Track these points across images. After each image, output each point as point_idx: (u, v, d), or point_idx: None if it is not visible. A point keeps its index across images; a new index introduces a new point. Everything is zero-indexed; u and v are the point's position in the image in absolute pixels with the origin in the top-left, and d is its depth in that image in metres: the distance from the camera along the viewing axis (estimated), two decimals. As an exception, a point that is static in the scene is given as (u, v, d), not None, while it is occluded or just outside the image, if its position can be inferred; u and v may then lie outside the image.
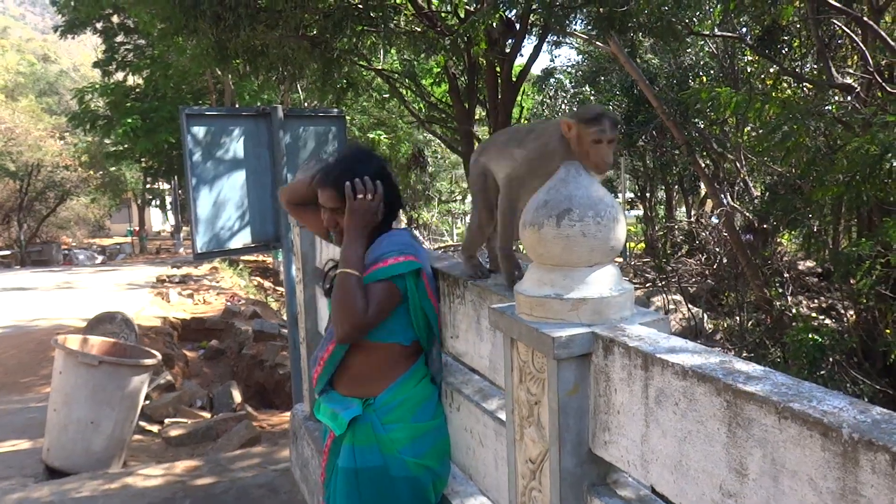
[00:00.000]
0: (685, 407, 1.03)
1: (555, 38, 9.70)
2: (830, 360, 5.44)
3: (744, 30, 9.68)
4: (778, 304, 7.84)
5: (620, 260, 14.57)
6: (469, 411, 1.83)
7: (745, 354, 7.05)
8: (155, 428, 5.88)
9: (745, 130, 10.06)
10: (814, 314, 8.20)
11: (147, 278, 14.72)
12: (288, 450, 4.04)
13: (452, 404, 1.93)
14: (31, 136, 23.40)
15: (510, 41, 7.55)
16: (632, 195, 19.70)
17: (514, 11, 6.90)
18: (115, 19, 18.76)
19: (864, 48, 6.26)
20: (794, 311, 7.71)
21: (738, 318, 9.02)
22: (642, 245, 17.85)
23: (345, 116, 4.96)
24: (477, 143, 8.72)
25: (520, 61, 9.10)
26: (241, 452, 4.63)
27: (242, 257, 16.60)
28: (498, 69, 7.72)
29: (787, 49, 8.81)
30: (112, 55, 19.46)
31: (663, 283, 11.43)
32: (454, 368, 2.02)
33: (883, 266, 5.35)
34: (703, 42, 11.07)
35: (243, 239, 4.29)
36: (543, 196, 1.36)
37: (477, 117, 9.80)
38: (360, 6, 6.87)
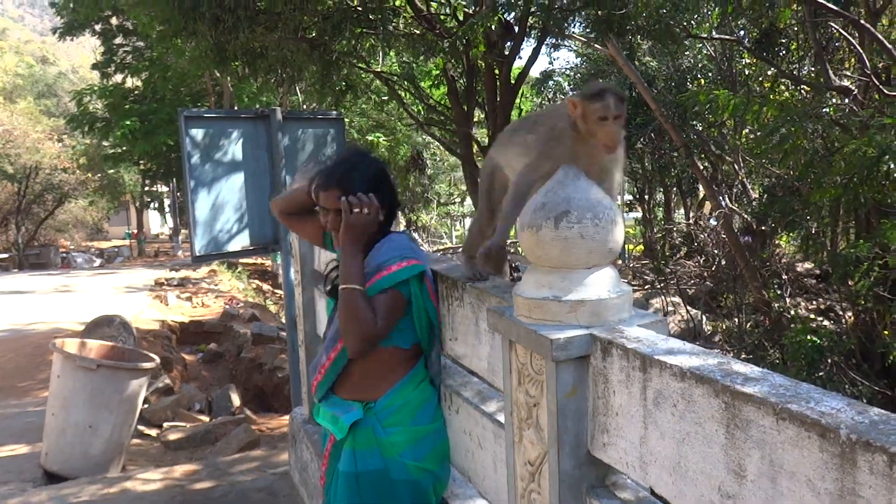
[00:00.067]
0: (683, 408, 1.03)
1: (553, 40, 9.70)
2: (829, 361, 5.45)
3: (741, 33, 9.71)
4: (776, 305, 7.85)
5: (619, 262, 14.58)
6: (468, 414, 1.83)
7: (743, 356, 7.05)
8: (153, 432, 5.87)
9: (744, 133, 10.08)
10: (812, 316, 8.21)
11: (145, 281, 14.69)
12: (287, 453, 4.03)
13: (451, 407, 1.93)
14: (30, 138, 23.39)
15: (509, 43, 7.56)
16: (630, 197, 19.71)
17: (512, 14, 6.92)
18: (113, 21, 18.75)
19: (861, 51, 6.28)
20: (792, 312, 7.72)
21: (736, 319, 9.03)
22: (641, 247, 17.88)
23: (343, 119, 4.96)
24: (476, 146, 8.74)
25: (518, 64, 9.12)
26: (240, 456, 4.62)
27: (241, 260, 16.59)
28: (497, 71, 7.73)
29: (784, 52, 8.83)
30: (111, 57, 19.45)
31: (662, 284, 11.44)
32: (453, 371, 2.02)
33: (881, 267, 5.36)
34: (701, 45, 11.10)
35: (242, 241, 4.29)
36: (541, 198, 1.36)
37: (476, 120, 9.81)
38: (359, 8, 6.88)
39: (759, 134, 6.94)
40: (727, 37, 9.30)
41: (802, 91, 7.90)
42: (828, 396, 0.88)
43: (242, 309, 11.18)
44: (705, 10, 8.58)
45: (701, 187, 13.48)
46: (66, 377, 4.50)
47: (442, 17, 7.87)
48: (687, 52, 11.89)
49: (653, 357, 1.09)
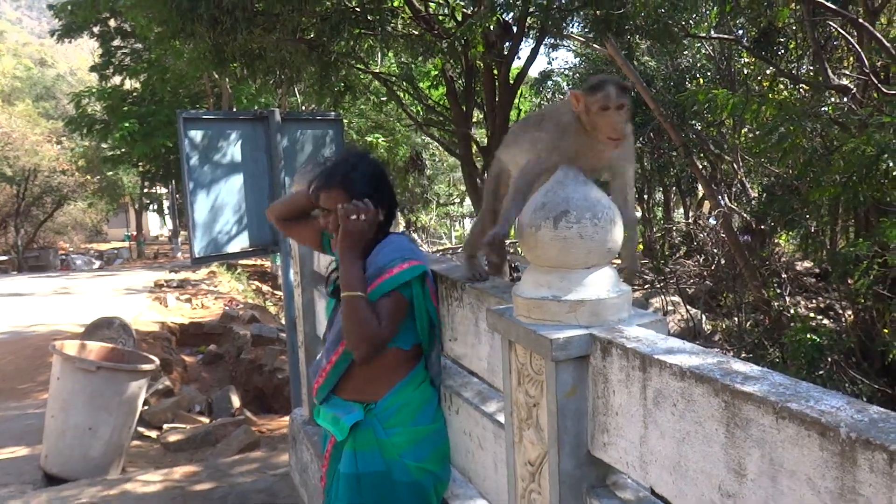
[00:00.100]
0: (683, 408, 1.03)
1: (552, 40, 9.71)
2: (829, 360, 5.45)
3: (740, 32, 9.71)
4: (776, 304, 7.85)
5: (618, 262, 14.57)
6: (468, 414, 1.83)
7: (743, 355, 7.06)
8: (153, 433, 5.86)
9: (742, 132, 10.08)
10: (812, 314, 8.21)
11: (145, 283, 14.68)
12: (287, 454, 4.03)
13: (451, 407, 1.93)
14: (28, 140, 23.38)
15: (507, 44, 7.56)
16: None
17: (511, 14, 6.92)
18: (111, 23, 18.74)
19: (859, 49, 6.28)
20: (792, 311, 7.72)
21: (736, 318, 9.04)
22: (640, 246, 17.87)
23: (342, 120, 4.96)
24: (474, 146, 8.74)
25: (517, 64, 9.12)
26: (240, 457, 4.62)
27: (240, 261, 16.59)
28: (495, 72, 7.73)
29: (783, 51, 8.84)
30: (109, 59, 19.45)
31: (661, 284, 11.44)
32: (453, 371, 2.01)
33: (880, 266, 5.36)
34: (699, 44, 11.11)
35: (241, 243, 4.29)
36: (541, 198, 1.36)
37: (474, 120, 9.81)
38: (358, 9, 6.88)
39: (758, 133, 6.95)
40: (726, 36, 9.30)
41: (801, 90, 7.91)
42: (827, 395, 0.88)
43: (242, 310, 11.18)
44: (704, 10, 8.59)
45: (700, 186, 13.49)
46: (65, 379, 4.50)
47: (440, 17, 7.87)
48: (686, 52, 11.90)
49: (652, 356, 1.09)
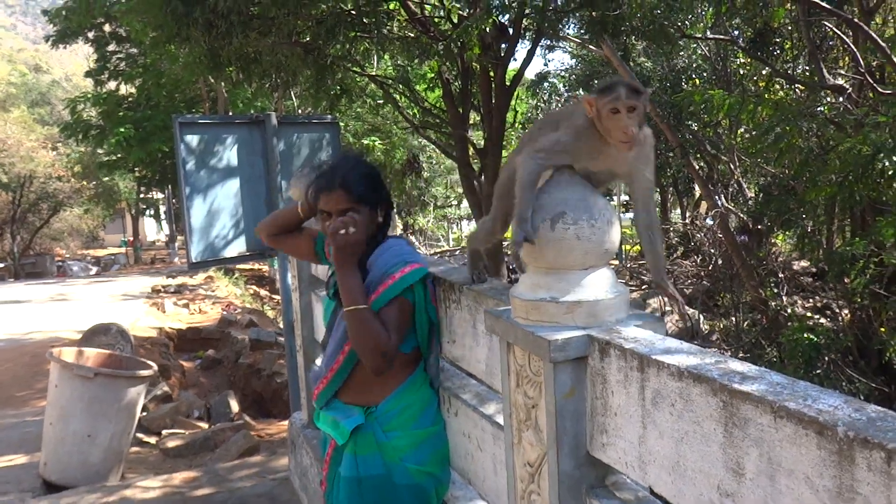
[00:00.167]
0: (681, 408, 1.03)
1: (548, 42, 9.74)
2: (826, 358, 5.46)
3: (736, 32, 9.74)
4: (773, 304, 7.87)
5: (616, 262, 14.60)
6: (467, 416, 1.83)
7: (741, 355, 7.07)
8: (152, 439, 5.85)
9: (739, 132, 10.11)
10: (809, 314, 8.22)
11: (142, 289, 14.67)
12: (286, 459, 4.02)
13: (450, 409, 1.93)
14: (24, 146, 23.35)
15: (504, 45, 7.57)
16: (626, 198, 19.75)
17: (507, 16, 6.93)
18: (106, 28, 18.74)
19: (855, 49, 6.31)
20: (789, 310, 7.74)
21: (733, 318, 9.05)
22: (638, 247, 17.89)
23: (339, 123, 4.97)
24: (471, 148, 8.74)
25: (513, 65, 9.13)
26: (240, 462, 4.61)
27: (238, 266, 16.57)
28: (492, 74, 7.74)
29: (778, 51, 8.87)
30: (104, 64, 19.44)
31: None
32: (451, 373, 2.01)
33: (876, 265, 5.38)
34: (695, 45, 11.14)
35: (238, 247, 4.27)
36: (538, 200, 1.37)
37: (471, 122, 9.83)
38: (353, 12, 6.89)
39: (754, 133, 6.97)
40: (721, 37, 9.33)
41: (797, 90, 7.94)
42: (825, 394, 0.88)
43: (240, 315, 11.16)
44: (699, 11, 8.60)
45: (697, 187, 13.51)
46: (63, 386, 4.48)
47: (436, 19, 7.88)
48: (682, 53, 11.92)
49: (650, 357, 1.09)
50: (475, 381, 1.92)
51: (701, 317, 10.02)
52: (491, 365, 1.69)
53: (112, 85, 19.89)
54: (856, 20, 6.28)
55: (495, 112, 7.79)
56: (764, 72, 8.87)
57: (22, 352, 8.61)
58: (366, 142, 15.37)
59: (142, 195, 28.00)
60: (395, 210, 2.06)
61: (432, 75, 10.63)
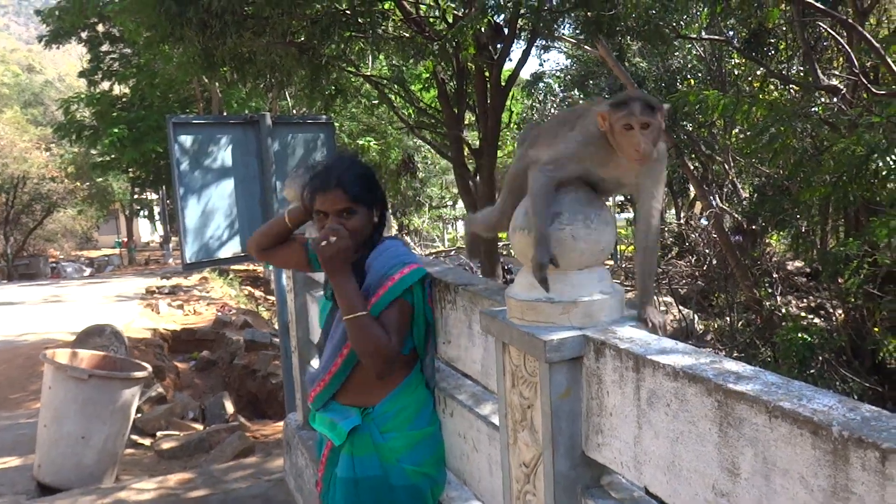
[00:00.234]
0: (677, 408, 1.03)
1: (543, 42, 9.73)
2: (820, 358, 5.48)
3: (730, 33, 9.77)
4: (767, 304, 7.89)
5: (611, 263, 14.61)
6: (462, 416, 1.83)
7: (735, 355, 7.08)
8: (147, 441, 5.83)
9: (733, 133, 10.13)
10: (803, 314, 8.26)
11: (136, 290, 14.61)
12: (282, 460, 4.01)
13: (446, 410, 1.93)
14: (17, 147, 23.23)
15: (499, 46, 7.58)
16: (622, 198, 19.78)
17: (502, 16, 6.94)
18: (100, 28, 18.68)
19: (849, 50, 6.33)
20: (783, 310, 7.77)
21: (728, 318, 9.07)
22: (633, 248, 17.90)
23: (334, 123, 4.96)
24: (466, 148, 8.74)
25: (508, 66, 9.14)
26: (235, 464, 4.60)
27: (232, 267, 16.52)
28: (487, 74, 7.75)
29: (773, 51, 8.90)
30: (98, 64, 19.38)
31: (654, 284, 11.46)
32: (447, 374, 2.01)
33: (870, 265, 5.40)
34: (690, 45, 11.16)
35: (233, 248, 4.26)
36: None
37: (466, 122, 9.82)
38: (348, 12, 6.88)
39: (748, 133, 6.99)
40: (716, 37, 9.35)
41: (791, 90, 7.96)
42: (819, 394, 0.88)
43: (235, 315, 11.13)
44: (694, 11, 8.63)
45: (692, 187, 13.54)
46: (57, 388, 4.46)
47: (431, 19, 7.88)
48: (676, 53, 11.95)
49: (646, 357, 1.09)
50: (471, 381, 1.92)
51: (695, 317, 10.04)
52: (486, 365, 1.69)
53: (106, 85, 19.82)
54: (850, 21, 6.30)
55: (490, 112, 7.80)
56: (759, 72, 8.90)
57: (16, 353, 8.56)
58: (361, 142, 15.36)
59: (136, 196, 27.92)
60: (389, 210, 2.06)
61: (427, 75, 10.64)
